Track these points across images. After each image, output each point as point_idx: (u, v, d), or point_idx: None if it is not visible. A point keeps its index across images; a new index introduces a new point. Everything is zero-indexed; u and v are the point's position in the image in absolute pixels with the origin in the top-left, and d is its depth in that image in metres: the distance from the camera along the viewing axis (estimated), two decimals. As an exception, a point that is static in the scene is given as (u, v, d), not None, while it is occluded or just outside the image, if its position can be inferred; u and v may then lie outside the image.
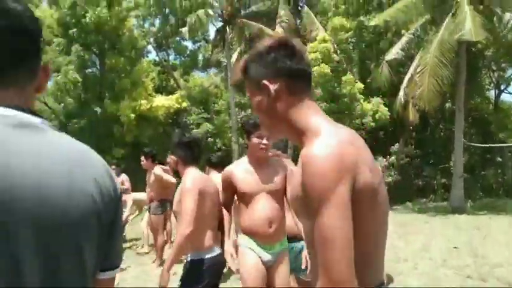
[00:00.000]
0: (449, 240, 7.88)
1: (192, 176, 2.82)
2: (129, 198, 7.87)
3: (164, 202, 6.44)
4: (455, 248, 7.15)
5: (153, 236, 6.63)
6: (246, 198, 2.89)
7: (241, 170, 2.92)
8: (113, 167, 8.67)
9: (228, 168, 3.00)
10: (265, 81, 1.20)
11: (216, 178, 4.71)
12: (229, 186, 2.94)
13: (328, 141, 1.07)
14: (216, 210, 2.95)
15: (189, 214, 2.65)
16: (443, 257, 6.57)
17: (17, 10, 0.83)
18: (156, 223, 6.47)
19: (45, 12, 18.87)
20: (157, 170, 6.25)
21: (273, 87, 1.19)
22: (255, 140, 2.87)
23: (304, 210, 1.09)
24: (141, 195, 8.04)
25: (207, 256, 2.77)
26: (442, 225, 10.16)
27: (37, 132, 0.81)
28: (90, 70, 18.75)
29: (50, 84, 19.38)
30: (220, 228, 3.04)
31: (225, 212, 3.07)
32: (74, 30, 16.65)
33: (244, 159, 3.02)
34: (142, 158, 6.45)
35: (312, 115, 1.19)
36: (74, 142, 0.87)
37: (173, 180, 6.20)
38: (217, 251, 2.86)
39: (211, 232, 2.85)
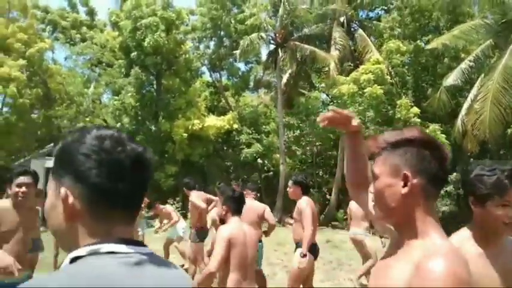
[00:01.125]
0: None
1: (231, 225, 3.28)
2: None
3: (202, 230, 6.27)
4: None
5: (195, 265, 6.33)
6: None
7: (474, 253, 1.71)
8: None
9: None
10: (407, 172, 1.19)
11: None
12: None
13: (452, 261, 1.07)
14: (247, 256, 3.24)
15: (216, 258, 3.05)
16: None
17: (151, 160, 0.91)
18: (196, 251, 6.25)
19: (108, 35, 20.09)
20: (193, 196, 6.22)
21: (412, 181, 1.19)
22: (496, 209, 1.71)
23: None
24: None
25: None
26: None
27: (144, 266, 0.84)
28: (147, 89, 19.61)
29: (109, 103, 20.48)
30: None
31: None
32: (135, 53, 17.51)
33: (467, 233, 1.83)
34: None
35: (434, 224, 1.20)
36: (174, 269, 0.93)
37: (203, 205, 6.13)
38: None
39: (236, 275, 3.15)
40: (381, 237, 6.98)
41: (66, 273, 0.78)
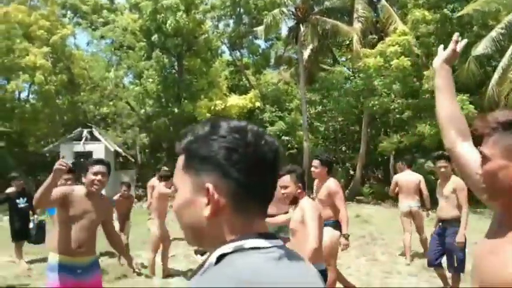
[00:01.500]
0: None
1: (311, 201, 3.45)
2: None
3: None
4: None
5: None
6: None
7: None
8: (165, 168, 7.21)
9: None
10: None
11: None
12: None
13: None
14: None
15: (316, 234, 3.14)
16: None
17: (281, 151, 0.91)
18: None
19: (128, 18, 20.02)
20: None
21: None
22: None
23: None
24: None
25: (324, 268, 3.35)
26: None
27: (285, 260, 0.81)
28: (168, 71, 19.62)
29: (132, 87, 20.59)
30: None
31: None
32: (155, 36, 17.44)
33: None
34: None
35: None
36: (303, 260, 0.90)
37: None
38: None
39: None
40: (427, 209, 6.94)
41: (222, 274, 0.75)
